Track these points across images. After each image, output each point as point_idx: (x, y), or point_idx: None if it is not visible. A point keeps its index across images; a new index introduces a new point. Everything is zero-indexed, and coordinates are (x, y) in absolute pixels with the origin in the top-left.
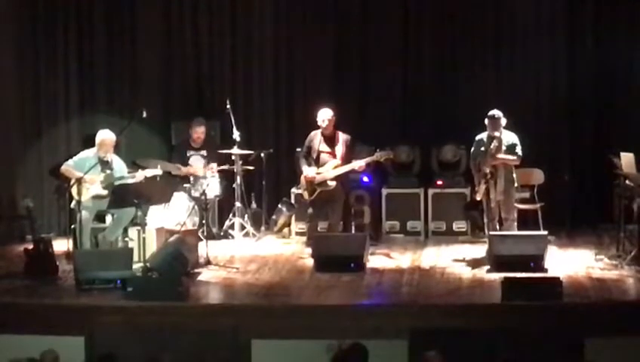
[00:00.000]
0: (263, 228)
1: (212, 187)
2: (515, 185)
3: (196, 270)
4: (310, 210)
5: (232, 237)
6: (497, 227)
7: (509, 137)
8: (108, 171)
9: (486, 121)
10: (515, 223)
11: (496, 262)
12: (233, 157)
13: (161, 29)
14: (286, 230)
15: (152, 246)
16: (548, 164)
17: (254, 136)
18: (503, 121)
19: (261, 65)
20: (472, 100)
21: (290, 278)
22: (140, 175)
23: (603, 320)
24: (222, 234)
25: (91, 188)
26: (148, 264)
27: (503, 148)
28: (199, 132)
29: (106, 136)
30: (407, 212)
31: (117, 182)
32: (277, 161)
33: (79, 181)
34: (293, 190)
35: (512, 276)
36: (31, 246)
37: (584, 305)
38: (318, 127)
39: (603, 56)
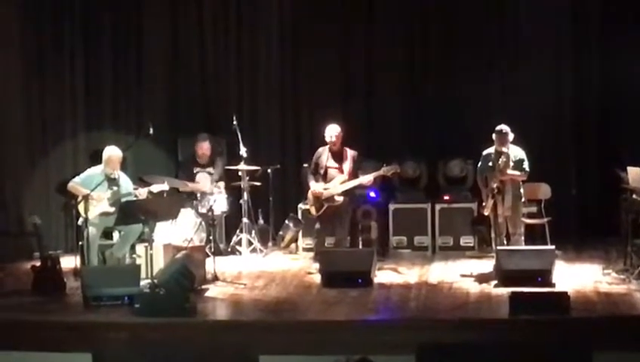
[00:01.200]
0: (270, 243)
1: (219, 203)
2: (523, 199)
3: (203, 286)
4: (317, 226)
5: (240, 253)
6: (505, 242)
7: (517, 152)
8: (115, 188)
9: (494, 135)
10: (523, 238)
11: (504, 276)
12: (240, 173)
13: (168, 45)
14: (293, 246)
15: (159, 263)
16: (555, 178)
17: (261, 152)
18: (511, 136)
19: (267, 81)
20: (479, 115)
21: (298, 294)
22: (144, 191)
23: (611, 335)
24: (229, 250)
25: (98, 205)
26: (155, 280)
27: (511, 163)
28: (204, 148)
29: (113, 152)
30: (415, 227)
31: (124, 199)
32: (284, 177)
33: (86, 198)
34: (300, 206)
35: (520, 291)
36: (38, 263)
37: (592, 319)
38: (325, 143)
39: (609, 70)
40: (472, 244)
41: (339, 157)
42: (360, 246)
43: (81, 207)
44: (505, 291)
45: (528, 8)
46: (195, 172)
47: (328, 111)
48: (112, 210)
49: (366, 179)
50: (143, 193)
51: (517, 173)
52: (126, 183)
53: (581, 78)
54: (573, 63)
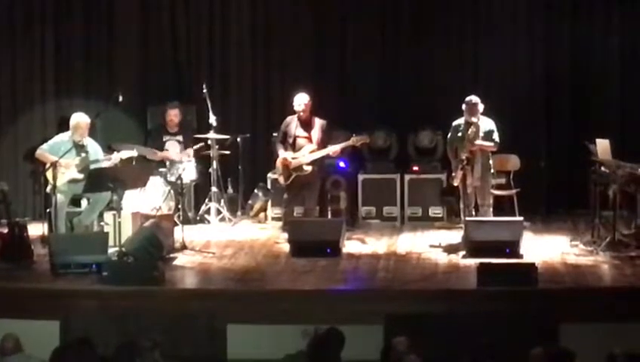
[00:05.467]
0: (239, 213)
1: (188, 171)
2: (492, 171)
3: (172, 255)
4: (286, 195)
5: (208, 221)
6: (473, 213)
7: (487, 123)
8: (83, 155)
9: (463, 106)
10: (491, 209)
11: (472, 247)
12: (209, 142)
13: (139, 13)
14: (262, 215)
15: (127, 231)
16: (524, 150)
17: (231, 120)
18: (481, 107)
19: (238, 49)
20: (449, 86)
21: (266, 263)
22: (116, 157)
23: (578, 306)
24: (198, 218)
25: (67, 172)
26: (123, 248)
27: (481, 134)
28: (172, 115)
29: (80, 119)
30: (384, 197)
31: (92, 166)
32: (253, 146)
33: (54, 165)
34: (270, 175)
35: (488, 262)
36: (6, 231)
37: (559, 290)
38: (294, 112)
39: (580, 42)
40: (440, 215)
41: (308, 126)
42: (329, 216)
43: (49, 174)
44: (473, 262)
45: None
46: (164, 140)
47: (299, 80)
48: (80, 176)
49: (335, 148)
50: (115, 158)
51: (486, 143)
52: (94, 150)
53: (552, 51)
54: (546, 36)
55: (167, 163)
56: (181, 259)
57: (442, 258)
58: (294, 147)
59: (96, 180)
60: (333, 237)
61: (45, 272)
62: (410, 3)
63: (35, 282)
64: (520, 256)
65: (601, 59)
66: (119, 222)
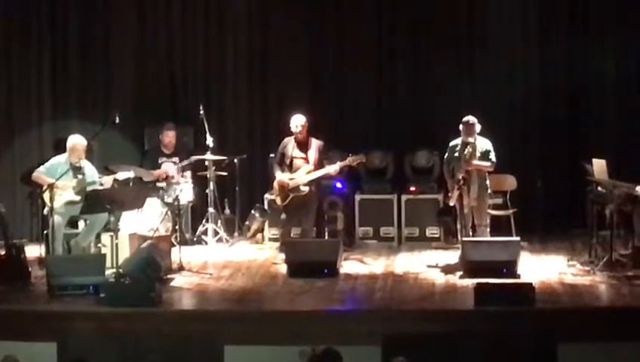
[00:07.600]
0: (236, 233)
1: (185, 193)
2: (489, 191)
3: (169, 276)
4: (283, 216)
5: (205, 242)
6: (470, 233)
7: (483, 143)
8: (80, 177)
9: (460, 126)
10: (488, 229)
11: (469, 267)
12: (206, 163)
13: (135, 34)
14: (259, 236)
15: (124, 252)
16: (521, 170)
17: (228, 141)
18: (478, 127)
19: (235, 71)
20: (446, 106)
21: (264, 284)
22: (109, 179)
23: (575, 326)
24: (195, 239)
25: (64, 194)
26: (121, 270)
27: (477, 154)
28: (170, 135)
29: (77, 141)
30: (381, 218)
31: (89, 188)
32: (250, 167)
33: (51, 187)
34: (267, 196)
35: (485, 282)
36: (3, 252)
37: (556, 310)
38: (291, 134)
39: (576, 63)
40: (437, 235)
41: (304, 147)
42: (326, 237)
43: (46, 196)
44: (470, 282)
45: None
46: (160, 161)
47: (296, 101)
48: (77, 198)
49: (332, 168)
50: (108, 181)
51: (483, 163)
52: (91, 172)
53: (549, 71)
54: (542, 55)
55: (164, 184)
56: (178, 280)
57: (440, 278)
58: (291, 168)
59: (93, 202)
60: (330, 258)
61: (42, 294)
62: (407, 24)
63: (32, 304)
64: (517, 276)
65: (598, 80)
66: (116, 244)
